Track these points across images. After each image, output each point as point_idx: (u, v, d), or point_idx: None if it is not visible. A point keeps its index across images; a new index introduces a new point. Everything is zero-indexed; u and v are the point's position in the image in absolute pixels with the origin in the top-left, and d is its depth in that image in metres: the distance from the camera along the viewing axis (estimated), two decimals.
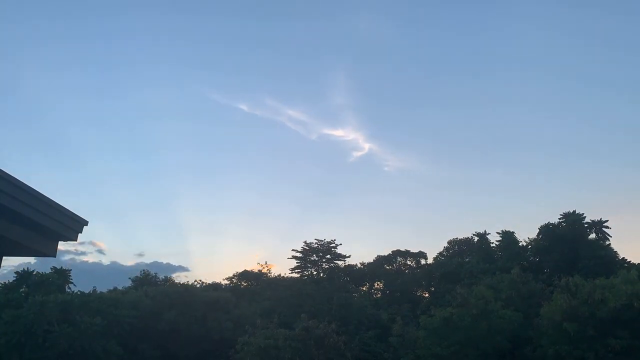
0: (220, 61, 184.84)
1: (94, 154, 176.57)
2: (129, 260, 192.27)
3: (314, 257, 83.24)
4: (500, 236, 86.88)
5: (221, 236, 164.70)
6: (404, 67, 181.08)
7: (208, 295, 71.13)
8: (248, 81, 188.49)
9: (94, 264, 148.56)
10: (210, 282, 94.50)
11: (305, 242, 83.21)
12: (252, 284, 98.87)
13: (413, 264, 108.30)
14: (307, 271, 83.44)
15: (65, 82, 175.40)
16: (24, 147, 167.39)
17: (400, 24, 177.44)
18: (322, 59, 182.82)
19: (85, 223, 6.94)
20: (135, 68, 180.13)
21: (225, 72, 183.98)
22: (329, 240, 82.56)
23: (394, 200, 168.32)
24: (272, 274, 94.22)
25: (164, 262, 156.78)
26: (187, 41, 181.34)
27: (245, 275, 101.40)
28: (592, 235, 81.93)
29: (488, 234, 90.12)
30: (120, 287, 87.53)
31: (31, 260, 76.44)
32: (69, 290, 76.46)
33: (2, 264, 6.87)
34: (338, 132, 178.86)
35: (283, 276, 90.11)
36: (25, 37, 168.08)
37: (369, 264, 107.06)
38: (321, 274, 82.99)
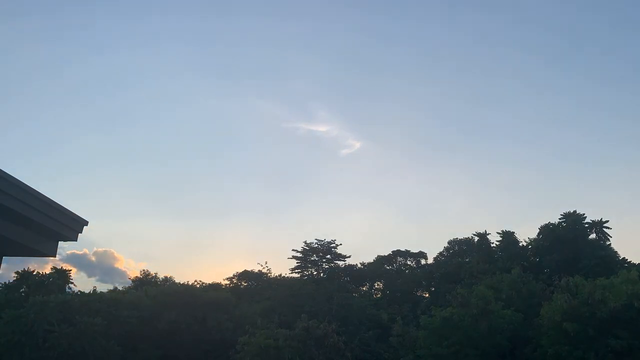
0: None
1: (93, 156, 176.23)
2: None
3: (314, 257, 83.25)
4: (500, 236, 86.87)
5: (216, 236, 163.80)
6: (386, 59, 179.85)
7: (208, 295, 71.08)
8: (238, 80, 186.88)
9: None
10: (210, 282, 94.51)
11: (305, 242, 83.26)
12: (252, 284, 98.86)
13: (413, 264, 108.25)
14: (307, 271, 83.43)
15: (62, 81, 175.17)
16: (24, 146, 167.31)
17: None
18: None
19: (85, 223, 6.92)
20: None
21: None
22: (329, 241, 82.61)
23: (393, 200, 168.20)
24: (272, 274, 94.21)
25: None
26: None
27: (245, 275, 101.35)
28: (593, 235, 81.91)
29: (488, 234, 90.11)
30: (120, 287, 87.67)
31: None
32: (69, 290, 76.49)
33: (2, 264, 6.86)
34: (321, 128, 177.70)
35: (283, 276, 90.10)
36: (25, 38, 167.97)
37: (369, 264, 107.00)
38: (321, 274, 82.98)
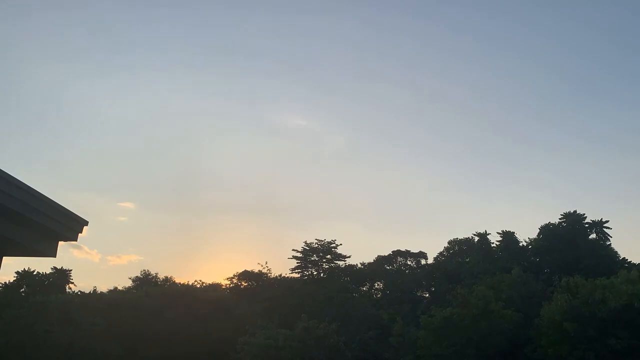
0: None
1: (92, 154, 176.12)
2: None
3: (314, 257, 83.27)
4: (501, 236, 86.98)
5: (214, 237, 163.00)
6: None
7: (208, 295, 71.18)
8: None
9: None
10: (210, 282, 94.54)
11: (305, 242, 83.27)
12: (252, 284, 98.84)
13: (413, 264, 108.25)
14: (307, 271, 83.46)
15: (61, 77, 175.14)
16: (25, 146, 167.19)
17: None
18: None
19: (86, 223, 6.91)
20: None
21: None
22: (329, 241, 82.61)
23: (391, 199, 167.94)
24: (272, 274, 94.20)
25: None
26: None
27: (245, 275, 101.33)
28: (592, 235, 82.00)
29: (488, 234, 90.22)
30: (120, 287, 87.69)
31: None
32: (69, 291, 76.62)
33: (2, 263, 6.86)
34: (303, 122, 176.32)
35: (283, 276, 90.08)
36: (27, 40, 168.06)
37: (369, 264, 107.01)
38: (321, 274, 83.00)
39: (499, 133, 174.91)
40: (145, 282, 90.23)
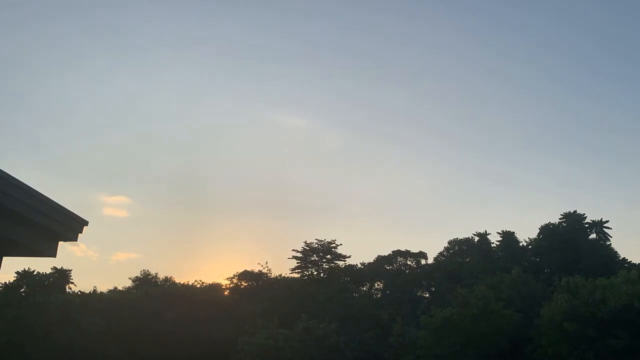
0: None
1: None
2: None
3: (314, 257, 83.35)
4: (501, 236, 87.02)
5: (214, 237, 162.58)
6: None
7: (208, 295, 71.20)
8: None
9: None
10: (210, 282, 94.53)
11: (305, 242, 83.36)
12: (252, 284, 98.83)
13: (413, 264, 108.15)
14: (308, 271, 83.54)
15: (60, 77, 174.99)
16: (25, 146, 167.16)
17: None
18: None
19: (86, 223, 6.91)
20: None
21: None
22: (329, 241, 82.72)
23: (391, 199, 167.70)
24: (272, 274, 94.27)
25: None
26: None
27: (245, 275, 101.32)
28: (593, 235, 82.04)
29: (488, 234, 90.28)
30: (120, 287, 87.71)
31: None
32: (69, 291, 76.67)
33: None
34: (303, 122, 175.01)
35: (283, 276, 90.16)
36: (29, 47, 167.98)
37: (369, 264, 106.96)
38: (321, 274, 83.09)
39: (499, 133, 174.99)
40: (145, 282, 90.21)
